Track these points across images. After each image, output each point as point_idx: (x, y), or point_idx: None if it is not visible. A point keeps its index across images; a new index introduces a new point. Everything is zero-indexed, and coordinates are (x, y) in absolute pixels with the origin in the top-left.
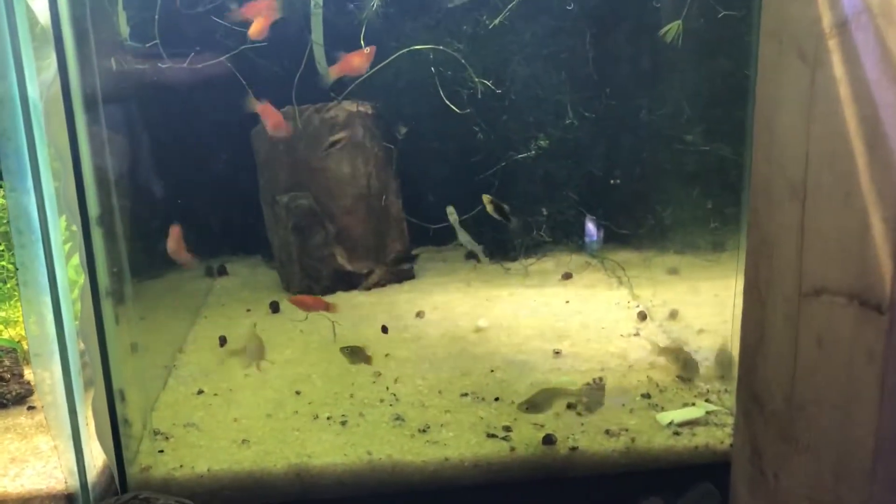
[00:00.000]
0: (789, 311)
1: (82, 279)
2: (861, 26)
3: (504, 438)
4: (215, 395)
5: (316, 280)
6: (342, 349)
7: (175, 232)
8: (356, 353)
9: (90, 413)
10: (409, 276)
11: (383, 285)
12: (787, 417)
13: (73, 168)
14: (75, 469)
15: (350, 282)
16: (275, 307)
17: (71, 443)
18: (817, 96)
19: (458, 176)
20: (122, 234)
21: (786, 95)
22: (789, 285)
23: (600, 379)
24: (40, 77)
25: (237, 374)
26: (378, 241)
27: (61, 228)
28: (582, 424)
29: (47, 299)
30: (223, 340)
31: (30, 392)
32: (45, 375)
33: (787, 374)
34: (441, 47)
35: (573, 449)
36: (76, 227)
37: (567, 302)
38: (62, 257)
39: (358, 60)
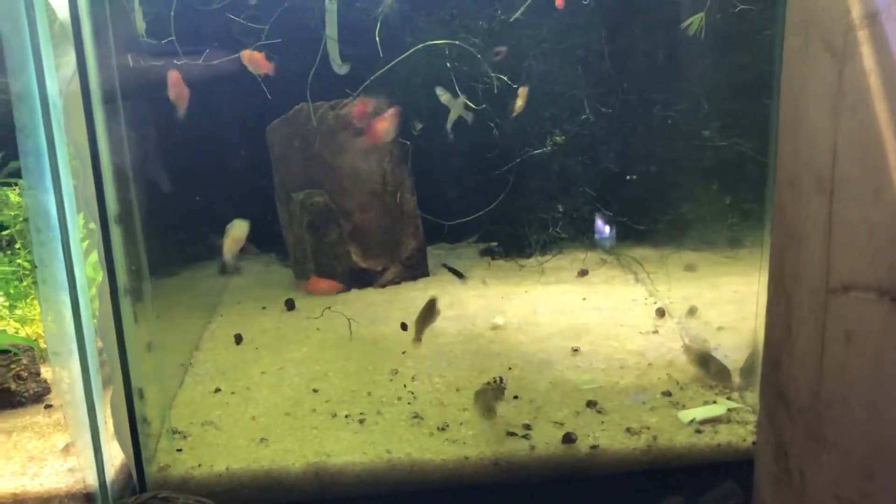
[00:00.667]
0: (816, 306)
1: (100, 277)
2: (892, 16)
3: (524, 437)
4: (232, 393)
5: (330, 277)
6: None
7: (174, 76)
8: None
9: (108, 412)
10: (423, 273)
11: (398, 283)
12: (814, 414)
13: (91, 165)
14: (94, 468)
15: (365, 279)
16: (290, 305)
17: (90, 441)
18: (846, 89)
19: (473, 172)
20: (140, 231)
21: (812, 88)
22: (816, 280)
23: (501, 379)
24: (59, 74)
25: (254, 372)
26: (393, 238)
27: (79, 226)
28: (602, 423)
29: (66, 297)
30: (239, 338)
31: (47, 390)
32: (64, 374)
33: (813, 370)
34: (457, 42)
35: (594, 447)
36: (94, 225)
37: (584, 299)
38: (81, 255)
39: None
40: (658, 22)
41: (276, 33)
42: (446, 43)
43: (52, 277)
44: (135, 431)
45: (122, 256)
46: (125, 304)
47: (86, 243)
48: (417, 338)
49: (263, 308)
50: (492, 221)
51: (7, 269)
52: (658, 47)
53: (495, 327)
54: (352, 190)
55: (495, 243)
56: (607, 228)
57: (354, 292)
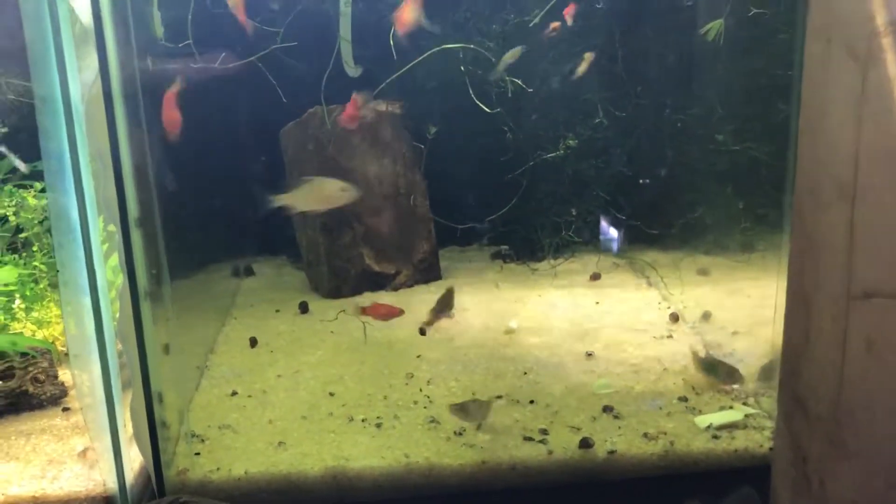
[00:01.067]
0: (837, 313)
1: (119, 280)
2: None
3: (541, 441)
4: (249, 396)
5: (344, 280)
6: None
7: (169, 98)
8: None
9: (128, 415)
10: (436, 276)
11: (411, 286)
12: (834, 422)
13: (112, 168)
14: (114, 471)
15: (378, 282)
16: (304, 307)
17: (110, 445)
18: (869, 95)
19: (486, 176)
20: (160, 234)
21: (834, 95)
22: (837, 287)
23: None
24: (81, 77)
25: (270, 376)
26: (406, 241)
27: (99, 229)
28: (619, 428)
29: (87, 300)
30: (254, 342)
31: (64, 393)
32: (84, 377)
33: (834, 377)
34: (472, 46)
35: (611, 452)
36: (114, 228)
37: (597, 303)
38: (101, 258)
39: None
40: (672, 25)
41: (290, 36)
42: (461, 46)
43: (73, 280)
44: (154, 435)
45: (143, 259)
46: (145, 307)
47: (105, 246)
48: (428, 323)
49: (277, 311)
50: (504, 225)
51: (24, 271)
52: (671, 51)
53: (509, 331)
54: (365, 193)
55: (506, 247)
56: (619, 232)
57: (367, 295)
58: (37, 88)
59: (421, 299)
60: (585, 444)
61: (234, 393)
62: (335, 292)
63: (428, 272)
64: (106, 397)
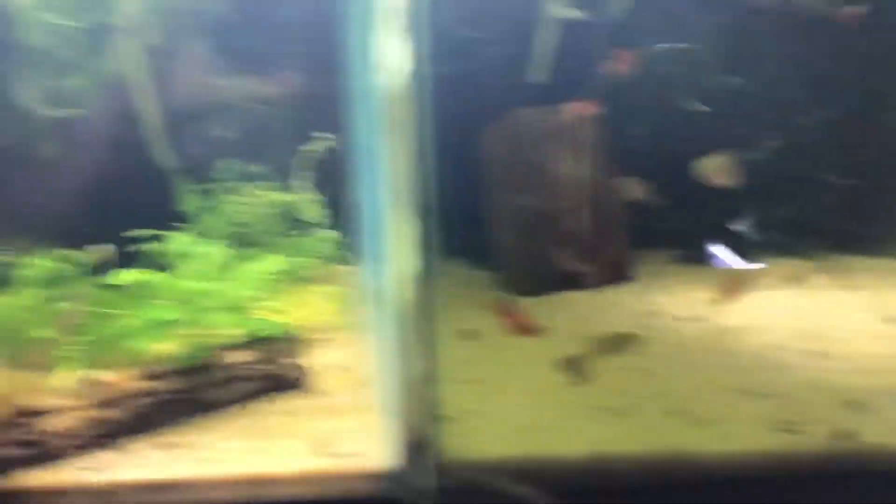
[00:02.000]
0: None
1: (406, 267)
2: None
3: (788, 431)
4: (495, 383)
5: (540, 281)
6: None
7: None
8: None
9: (402, 396)
10: (628, 277)
11: (602, 287)
12: None
13: (417, 159)
14: (384, 449)
15: (574, 282)
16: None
17: (383, 425)
18: None
19: (683, 177)
20: (441, 226)
21: None
22: None
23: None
24: (388, 67)
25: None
26: (600, 242)
27: (394, 218)
28: (872, 422)
29: (376, 287)
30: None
31: (305, 377)
32: (366, 358)
33: None
34: (686, 45)
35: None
36: (410, 217)
37: (810, 304)
38: (399, 247)
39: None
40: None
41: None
42: (669, 48)
43: (369, 267)
44: (425, 414)
45: (430, 250)
46: (432, 294)
47: (400, 235)
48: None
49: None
50: (699, 227)
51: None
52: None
53: (725, 330)
54: (562, 194)
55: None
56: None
57: (565, 294)
58: (347, 83)
59: (616, 301)
60: (839, 434)
61: (478, 381)
62: (532, 293)
63: (620, 273)
64: (383, 378)
